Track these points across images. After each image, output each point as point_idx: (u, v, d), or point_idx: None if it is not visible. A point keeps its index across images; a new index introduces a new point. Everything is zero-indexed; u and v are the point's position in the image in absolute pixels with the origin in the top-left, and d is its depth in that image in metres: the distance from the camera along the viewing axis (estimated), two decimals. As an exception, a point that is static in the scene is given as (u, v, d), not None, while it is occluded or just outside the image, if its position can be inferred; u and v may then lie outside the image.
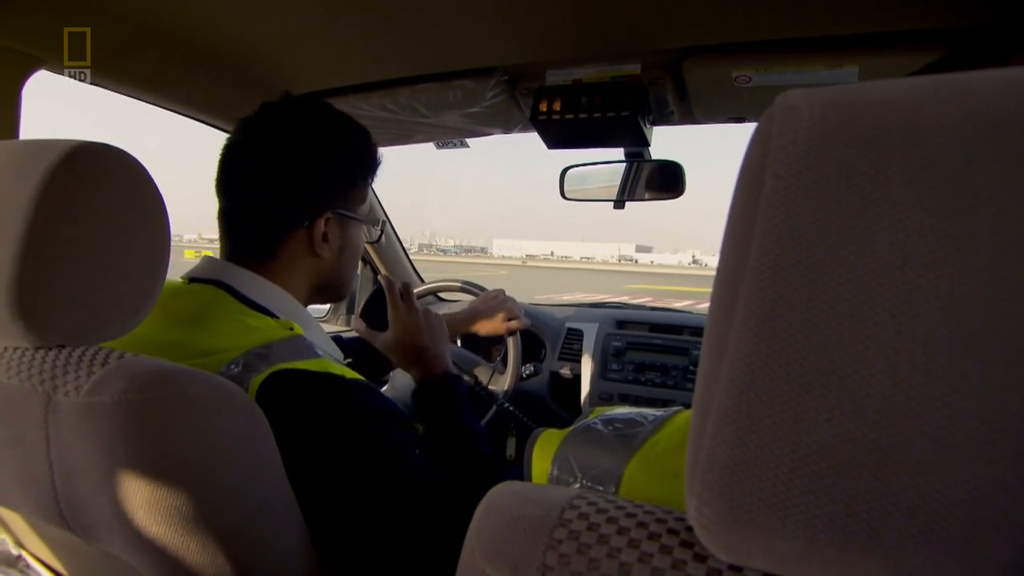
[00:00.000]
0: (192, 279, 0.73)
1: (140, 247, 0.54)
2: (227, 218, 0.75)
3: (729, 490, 0.25)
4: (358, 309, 1.79)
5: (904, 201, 0.22)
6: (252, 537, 0.55)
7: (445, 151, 1.34)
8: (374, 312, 0.92)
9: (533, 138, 1.10)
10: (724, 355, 0.25)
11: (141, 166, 0.53)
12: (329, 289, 0.81)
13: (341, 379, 0.67)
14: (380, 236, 1.03)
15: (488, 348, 1.55)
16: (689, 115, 1.03)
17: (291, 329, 0.69)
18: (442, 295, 1.76)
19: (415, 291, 1.54)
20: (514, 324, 1.21)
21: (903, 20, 0.78)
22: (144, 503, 0.49)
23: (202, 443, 0.52)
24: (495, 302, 1.22)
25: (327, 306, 1.83)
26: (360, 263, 1.79)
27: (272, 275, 0.74)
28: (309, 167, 0.75)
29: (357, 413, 0.66)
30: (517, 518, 0.34)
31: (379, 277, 1.40)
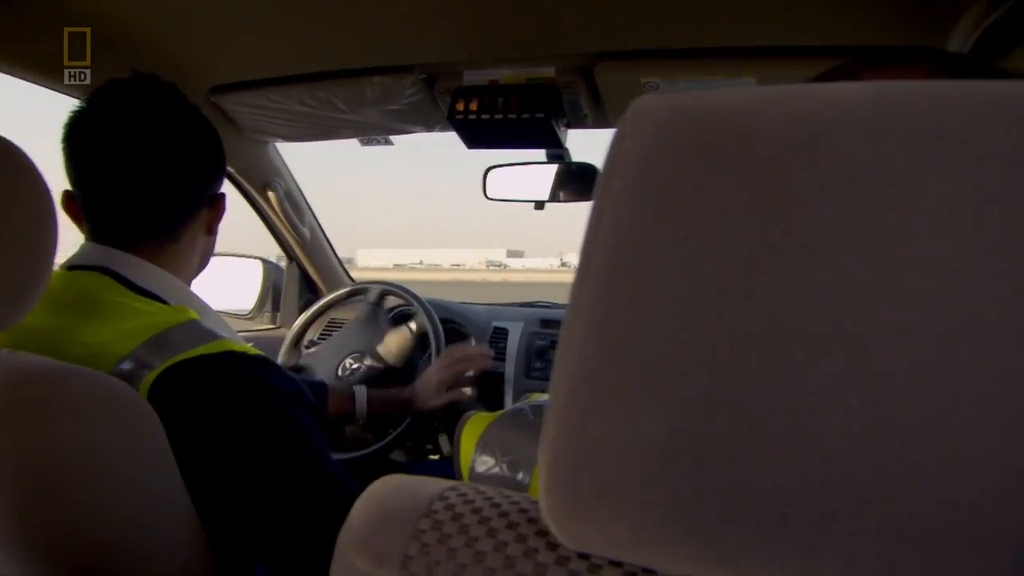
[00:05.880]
0: (73, 266, 0.69)
1: (24, 241, 0.51)
2: (104, 201, 0.70)
3: (569, 480, 0.26)
4: (284, 307, 1.76)
5: (730, 204, 0.23)
6: (140, 542, 0.53)
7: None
8: None
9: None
10: (569, 349, 0.26)
11: (26, 156, 0.51)
12: (201, 266, 0.81)
13: (243, 355, 0.64)
14: None
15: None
16: (603, 119, 1.06)
17: (186, 314, 0.66)
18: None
19: (343, 291, 1.51)
20: (448, 397, 1.16)
21: (796, 36, 0.83)
22: (19, 507, 0.46)
23: (83, 446, 0.49)
24: (427, 382, 1.16)
25: (251, 305, 1.78)
26: (287, 259, 1.75)
27: (168, 258, 0.72)
28: (208, 143, 0.73)
29: (258, 391, 0.64)
30: (388, 510, 0.35)
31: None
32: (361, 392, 1.12)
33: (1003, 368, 0.20)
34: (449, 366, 1.16)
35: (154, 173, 0.69)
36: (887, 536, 0.21)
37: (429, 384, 1.14)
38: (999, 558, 0.21)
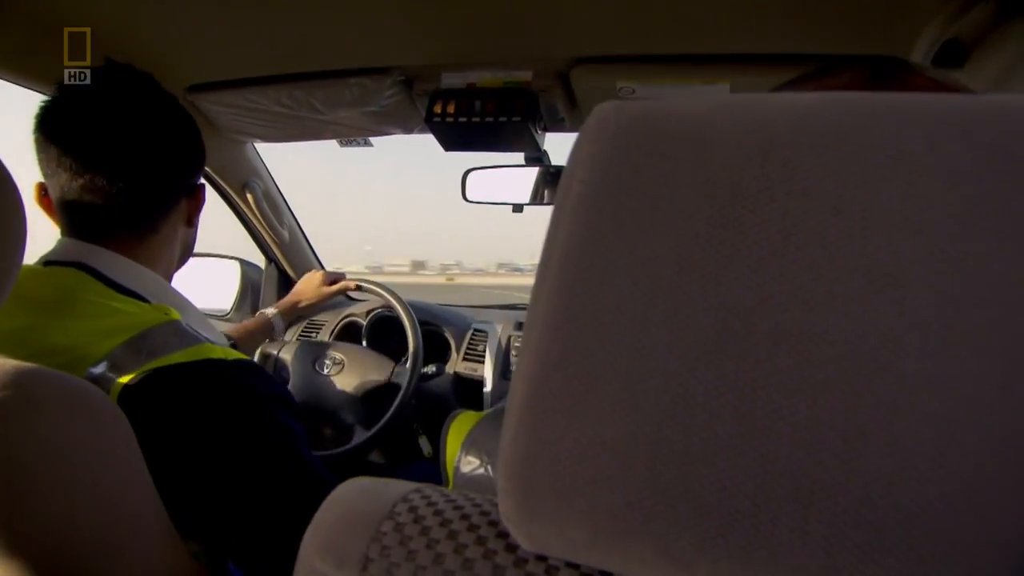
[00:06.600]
0: (48, 262, 0.67)
1: None
2: (82, 194, 0.67)
3: (526, 482, 0.26)
4: (262, 307, 1.75)
5: (686, 210, 0.23)
6: (109, 543, 0.52)
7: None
8: None
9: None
10: (528, 351, 0.26)
11: None
12: (183, 260, 0.80)
13: (222, 363, 0.63)
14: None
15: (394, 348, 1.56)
16: (580, 123, 1.06)
17: (166, 314, 0.65)
18: (351, 294, 1.73)
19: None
20: (334, 287, 1.41)
21: (768, 44, 0.84)
22: None
23: (48, 450, 0.49)
24: (312, 277, 1.43)
25: (229, 305, 1.76)
26: (265, 260, 1.74)
27: (148, 251, 0.70)
28: (185, 133, 0.73)
29: (240, 397, 0.63)
30: (352, 512, 0.35)
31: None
32: (277, 318, 1.35)
33: (946, 377, 0.21)
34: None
35: (129, 164, 0.67)
36: (829, 540, 0.22)
37: (313, 278, 1.42)
38: (939, 563, 0.21)
